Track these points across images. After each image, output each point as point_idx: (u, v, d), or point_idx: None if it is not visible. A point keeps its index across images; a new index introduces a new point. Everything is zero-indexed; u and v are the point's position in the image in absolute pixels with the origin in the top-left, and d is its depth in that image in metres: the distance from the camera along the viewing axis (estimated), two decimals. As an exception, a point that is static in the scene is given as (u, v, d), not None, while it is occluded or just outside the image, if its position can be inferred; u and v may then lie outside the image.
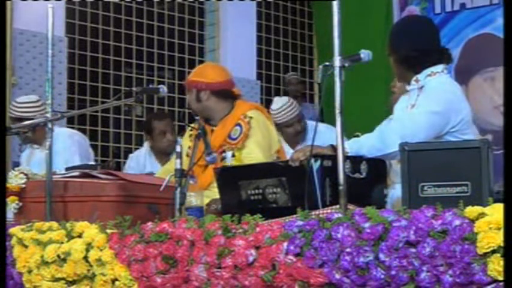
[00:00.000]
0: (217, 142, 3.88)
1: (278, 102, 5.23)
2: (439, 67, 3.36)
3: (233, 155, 3.85)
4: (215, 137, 3.90)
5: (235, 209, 2.79)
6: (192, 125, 4.12)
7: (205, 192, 3.52)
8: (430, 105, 3.22)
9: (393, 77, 4.32)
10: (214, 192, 3.46)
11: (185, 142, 4.05)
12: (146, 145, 5.66)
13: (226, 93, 4.01)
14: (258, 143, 3.86)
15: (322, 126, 4.72)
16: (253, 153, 3.82)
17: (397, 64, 3.42)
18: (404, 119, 3.22)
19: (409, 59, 3.35)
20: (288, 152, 5.05)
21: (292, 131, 5.11)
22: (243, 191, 2.93)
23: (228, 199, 3.04)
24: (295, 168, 2.78)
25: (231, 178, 3.03)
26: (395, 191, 3.36)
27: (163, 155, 5.35)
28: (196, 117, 3.50)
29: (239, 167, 3.45)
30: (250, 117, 3.90)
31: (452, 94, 3.33)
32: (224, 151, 3.87)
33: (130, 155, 5.95)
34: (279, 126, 5.01)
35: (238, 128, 3.90)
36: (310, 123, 5.05)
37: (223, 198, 3.11)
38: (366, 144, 3.03)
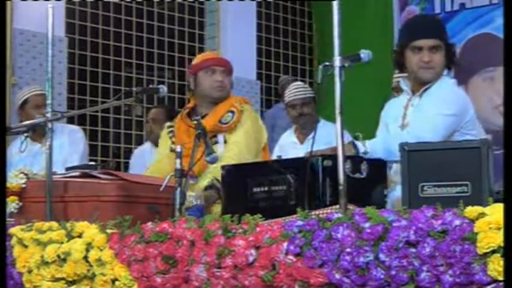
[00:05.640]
0: (208, 128, 3.83)
1: (294, 84, 5.51)
2: (444, 71, 3.47)
3: (225, 141, 3.88)
4: (206, 124, 3.86)
5: (242, 207, 2.77)
6: (169, 123, 4.14)
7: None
8: (444, 107, 3.30)
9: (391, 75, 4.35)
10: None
11: (164, 142, 4.07)
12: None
13: None
14: (245, 131, 3.90)
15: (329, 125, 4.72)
16: (237, 139, 3.86)
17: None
18: (422, 123, 3.27)
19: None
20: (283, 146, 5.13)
21: (295, 113, 5.23)
22: (249, 188, 2.90)
23: (234, 197, 3.02)
24: (302, 167, 2.76)
25: (237, 176, 3.01)
26: (395, 191, 3.37)
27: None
28: (197, 117, 3.50)
29: (246, 165, 3.38)
30: (243, 107, 3.98)
31: (460, 96, 3.44)
32: (215, 135, 3.89)
33: (134, 152, 5.97)
34: (287, 106, 5.32)
35: (230, 114, 3.94)
36: (323, 122, 5.05)
37: (228, 196, 3.08)
38: (387, 148, 3.10)
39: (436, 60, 3.41)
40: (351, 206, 2.46)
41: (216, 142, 3.88)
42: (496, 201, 2.20)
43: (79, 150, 4.77)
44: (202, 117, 3.95)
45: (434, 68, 3.42)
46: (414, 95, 3.47)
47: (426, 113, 3.32)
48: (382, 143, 3.16)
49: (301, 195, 2.72)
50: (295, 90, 5.30)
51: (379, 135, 3.54)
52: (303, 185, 2.72)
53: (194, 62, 4.16)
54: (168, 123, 4.17)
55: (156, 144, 5.55)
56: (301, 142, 5.18)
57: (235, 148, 3.82)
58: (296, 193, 2.76)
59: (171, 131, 4.04)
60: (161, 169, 3.87)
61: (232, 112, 3.94)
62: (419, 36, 3.42)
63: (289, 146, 5.07)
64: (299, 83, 5.67)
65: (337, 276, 2.23)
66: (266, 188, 2.86)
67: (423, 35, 3.42)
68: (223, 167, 3.16)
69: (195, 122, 3.88)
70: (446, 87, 3.41)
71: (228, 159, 3.66)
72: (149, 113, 5.82)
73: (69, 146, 4.72)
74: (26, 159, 4.36)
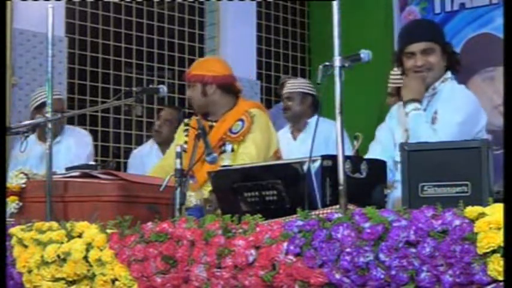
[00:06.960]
0: (218, 135, 3.89)
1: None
2: (448, 73, 3.47)
3: (232, 150, 3.85)
4: (215, 132, 3.91)
5: (233, 212, 2.75)
6: (186, 120, 4.14)
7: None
8: (456, 116, 3.32)
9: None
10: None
11: (179, 137, 4.07)
12: (151, 141, 5.75)
13: (230, 88, 4.05)
14: (255, 141, 3.87)
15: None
16: (248, 150, 3.83)
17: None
18: (437, 132, 3.27)
19: None
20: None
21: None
22: (239, 194, 2.89)
23: (224, 202, 3.00)
24: (292, 170, 2.76)
25: (226, 181, 2.98)
26: (395, 191, 3.37)
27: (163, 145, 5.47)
28: (197, 117, 3.50)
29: (234, 170, 3.33)
30: (253, 115, 3.92)
31: (475, 103, 3.47)
32: (224, 144, 3.88)
33: (133, 152, 5.98)
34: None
35: (240, 123, 3.90)
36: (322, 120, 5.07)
37: (219, 201, 3.06)
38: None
39: (431, 63, 3.41)
40: (351, 206, 2.46)
41: (224, 151, 3.86)
42: (496, 201, 2.20)
43: (85, 154, 4.78)
44: (215, 121, 3.98)
45: (430, 70, 3.42)
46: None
47: (444, 121, 3.32)
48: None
49: (293, 199, 2.71)
50: (288, 84, 5.41)
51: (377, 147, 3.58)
52: (295, 188, 2.71)
53: None
54: (186, 120, 4.16)
55: (161, 144, 5.56)
56: (295, 138, 5.23)
57: (248, 159, 3.77)
58: (288, 197, 2.75)
59: (187, 129, 4.01)
60: (171, 165, 3.93)
61: (242, 121, 3.91)
62: (410, 41, 3.43)
63: (284, 141, 5.09)
64: (298, 78, 5.79)
65: (337, 276, 2.23)
66: (257, 193, 2.83)
67: (414, 39, 3.43)
68: (208, 173, 3.13)
69: (210, 123, 3.92)
70: (457, 93, 3.43)
71: None
72: (161, 112, 5.79)
73: (75, 149, 4.74)
74: (31, 160, 4.36)
